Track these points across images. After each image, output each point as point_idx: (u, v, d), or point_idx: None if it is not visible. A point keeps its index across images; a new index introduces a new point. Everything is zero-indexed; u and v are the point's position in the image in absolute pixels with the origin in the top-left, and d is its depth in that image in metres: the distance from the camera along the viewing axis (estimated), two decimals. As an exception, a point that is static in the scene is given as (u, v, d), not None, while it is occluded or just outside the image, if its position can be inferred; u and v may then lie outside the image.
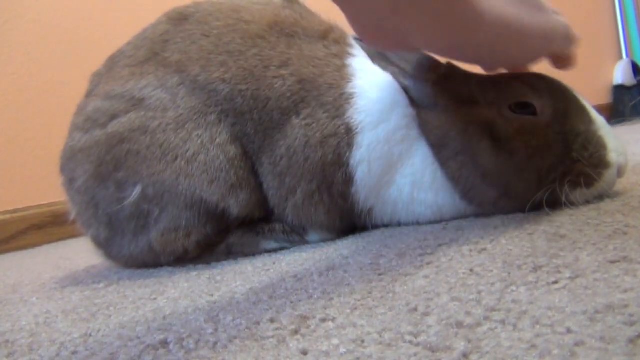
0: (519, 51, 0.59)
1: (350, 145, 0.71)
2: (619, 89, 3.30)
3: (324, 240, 0.76)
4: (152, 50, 0.78)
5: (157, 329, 0.45)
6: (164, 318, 0.49)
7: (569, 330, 0.30)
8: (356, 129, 0.71)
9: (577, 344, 0.29)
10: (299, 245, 0.76)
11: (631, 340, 0.28)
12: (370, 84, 0.73)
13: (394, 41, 0.55)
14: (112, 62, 0.82)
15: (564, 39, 0.62)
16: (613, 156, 0.64)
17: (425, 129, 0.70)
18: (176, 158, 0.72)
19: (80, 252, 1.10)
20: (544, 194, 0.63)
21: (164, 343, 0.41)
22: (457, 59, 0.62)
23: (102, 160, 0.73)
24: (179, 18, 0.81)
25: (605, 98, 3.30)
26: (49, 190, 1.51)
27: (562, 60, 0.65)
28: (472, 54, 0.59)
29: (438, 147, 0.69)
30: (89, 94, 0.82)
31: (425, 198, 0.72)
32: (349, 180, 0.72)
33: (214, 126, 0.73)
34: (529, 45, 0.59)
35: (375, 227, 0.77)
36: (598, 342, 0.28)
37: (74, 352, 0.43)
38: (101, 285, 0.71)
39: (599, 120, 0.66)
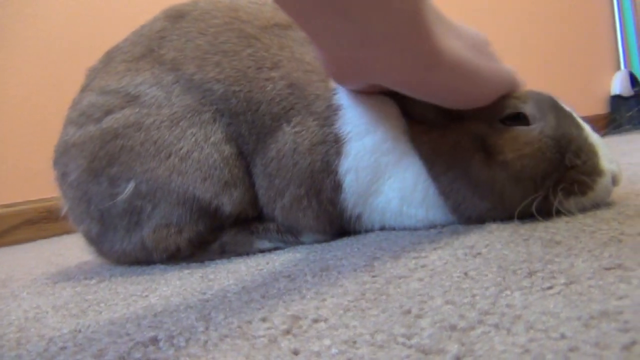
0: (472, 91, 0.63)
1: (338, 153, 0.71)
2: (616, 99, 3.31)
3: (318, 241, 0.75)
4: (149, 47, 0.78)
5: (147, 326, 0.45)
6: (155, 315, 0.48)
7: (563, 336, 0.30)
8: (344, 138, 0.71)
9: (571, 350, 0.28)
10: (293, 246, 0.76)
11: (626, 347, 0.28)
12: (357, 95, 0.72)
13: (358, 74, 0.62)
14: (109, 57, 0.82)
15: (511, 85, 0.66)
16: (605, 164, 0.64)
17: (416, 143, 0.70)
18: (170, 155, 0.71)
19: (73, 248, 1.10)
20: (534, 201, 0.63)
21: (154, 340, 0.41)
22: (414, 94, 0.64)
23: (96, 156, 0.73)
24: (176, 15, 0.80)
25: (603, 108, 3.31)
26: (43, 185, 1.49)
27: None
28: (428, 90, 0.63)
29: (429, 162, 0.69)
30: (84, 88, 0.81)
31: (416, 213, 0.71)
32: (337, 187, 0.72)
33: (209, 125, 0.73)
34: (481, 87, 0.63)
35: (366, 232, 0.76)
36: (592, 348, 0.28)
37: (63, 348, 0.42)
38: (93, 281, 0.71)
39: (587, 126, 0.66)
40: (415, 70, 0.59)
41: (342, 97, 0.72)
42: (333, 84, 0.72)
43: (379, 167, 0.71)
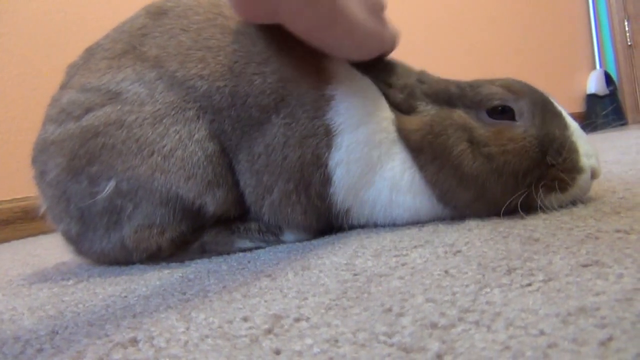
0: (360, 47, 0.71)
1: (329, 146, 0.71)
2: (591, 98, 3.38)
3: (300, 240, 0.75)
4: (130, 44, 0.77)
5: (126, 327, 0.44)
6: (134, 316, 0.47)
7: (542, 332, 0.31)
8: (335, 130, 0.71)
9: (549, 346, 0.29)
10: (274, 245, 0.75)
11: (602, 343, 0.28)
12: (350, 87, 0.73)
13: (264, 15, 0.68)
14: (89, 54, 0.81)
15: (392, 45, 0.76)
16: (585, 161, 0.65)
17: (403, 133, 0.71)
18: (152, 153, 0.70)
19: (50, 249, 1.08)
20: (519, 198, 0.64)
21: (134, 341, 0.40)
22: (314, 44, 0.70)
23: (75, 154, 0.72)
24: (157, 12, 0.79)
25: (579, 106, 3.37)
26: (18, 185, 1.47)
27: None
28: (325, 42, 0.70)
29: (416, 151, 0.70)
30: (64, 86, 0.80)
31: (404, 200, 0.72)
32: (327, 180, 0.72)
33: (193, 122, 0.72)
34: (368, 44, 0.72)
35: (352, 227, 0.76)
36: (570, 344, 0.29)
37: (39, 350, 0.41)
38: (70, 282, 0.70)
39: (573, 125, 0.68)
40: (315, 24, 0.66)
41: (336, 88, 0.72)
42: (328, 75, 0.73)
43: (371, 160, 0.71)
